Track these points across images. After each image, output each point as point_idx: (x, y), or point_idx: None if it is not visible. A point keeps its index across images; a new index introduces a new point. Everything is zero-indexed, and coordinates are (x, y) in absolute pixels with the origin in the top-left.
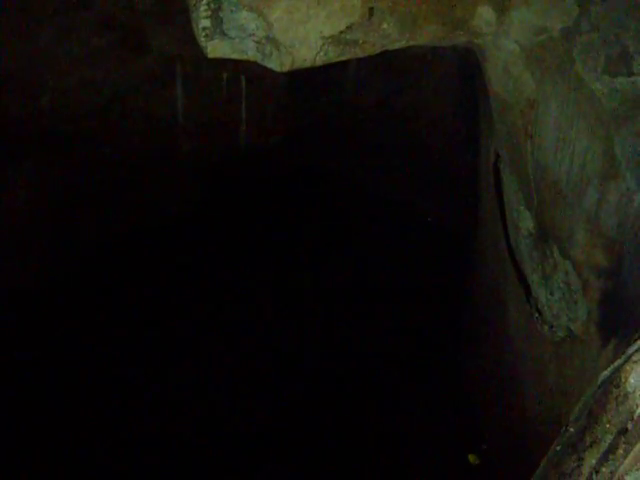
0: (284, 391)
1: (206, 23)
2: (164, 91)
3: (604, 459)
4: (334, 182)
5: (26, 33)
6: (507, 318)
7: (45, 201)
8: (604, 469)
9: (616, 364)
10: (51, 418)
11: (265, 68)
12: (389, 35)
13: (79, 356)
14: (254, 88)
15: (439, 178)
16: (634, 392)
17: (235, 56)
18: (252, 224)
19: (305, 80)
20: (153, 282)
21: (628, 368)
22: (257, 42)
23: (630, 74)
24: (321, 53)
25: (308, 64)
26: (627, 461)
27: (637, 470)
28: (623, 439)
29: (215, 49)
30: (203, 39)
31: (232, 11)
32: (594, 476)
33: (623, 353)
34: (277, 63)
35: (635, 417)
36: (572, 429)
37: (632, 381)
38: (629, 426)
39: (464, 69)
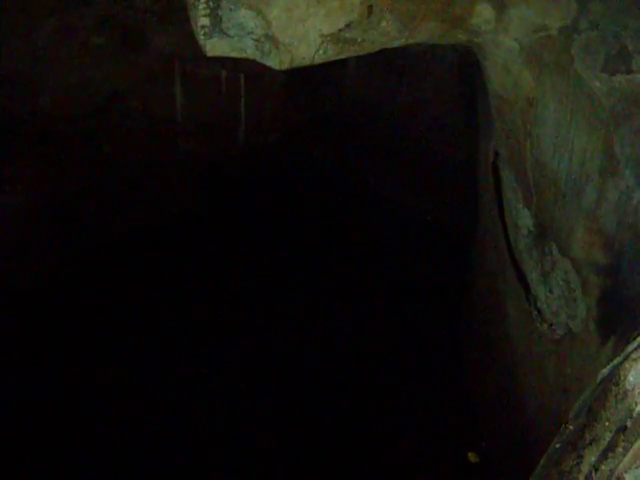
0: (284, 391)
1: (205, 21)
2: (163, 90)
3: (603, 457)
4: (333, 180)
5: (25, 32)
6: (506, 316)
7: (45, 201)
8: (603, 467)
9: (615, 362)
10: (51, 418)
11: (264, 66)
12: (388, 33)
13: (79, 356)
14: (253, 86)
15: (438, 176)
16: (633, 390)
17: (234, 54)
18: (251, 223)
19: (304, 78)
20: (153, 281)
21: (627, 366)
22: (256, 40)
23: (629, 72)
24: (320, 51)
25: (307, 62)
26: (626, 459)
27: (636, 468)
28: (622, 437)
29: (214, 47)
30: (202, 37)
31: (231, 9)
32: (593, 474)
33: (622, 351)
34: (276, 61)
35: (634, 415)
36: (571, 427)
37: (631, 379)
38: (628, 424)
39: (463, 67)
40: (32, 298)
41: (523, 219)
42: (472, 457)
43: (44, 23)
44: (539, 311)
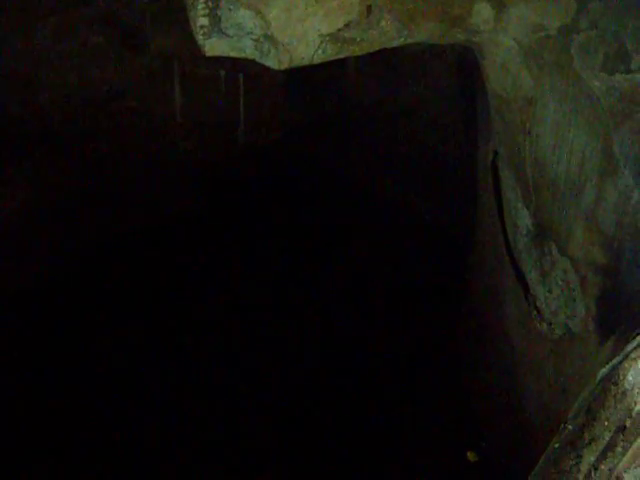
0: (283, 391)
1: (204, 21)
2: (162, 89)
3: (603, 456)
4: (332, 180)
5: (25, 31)
6: (506, 316)
7: (45, 201)
8: (603, 466)
9: (614, 361)
10: (51, 418)
11: (263, 66)
12: (387, 33)
13: (79, 356)
14: (252, 86)
15: (437, 176)
16: (632, 389)
17: (233, 54)
18: (251, 222)
19: (303, 78)
20: (152, 281)
21: (626, 365)
22: (255, 40)
23: (628, 71)
24: (319, 51)
25: (306, 62)
26: (625, 458)
27: (636, 467)
28: (621, 436)
29: (213, 47)
30: (201, 37)
31: (230, 9)
32: (593, 473)
33: (621, 350)
34: (275, 61)
35: (633, 414)
36: (571, 426)
37: (630, 378)
38: (627, 423)
39: (462, 67)
40: (32, 298)
41: (522, 218)
42: (471, 456)
43: (44, 23)
44: (538, 311)
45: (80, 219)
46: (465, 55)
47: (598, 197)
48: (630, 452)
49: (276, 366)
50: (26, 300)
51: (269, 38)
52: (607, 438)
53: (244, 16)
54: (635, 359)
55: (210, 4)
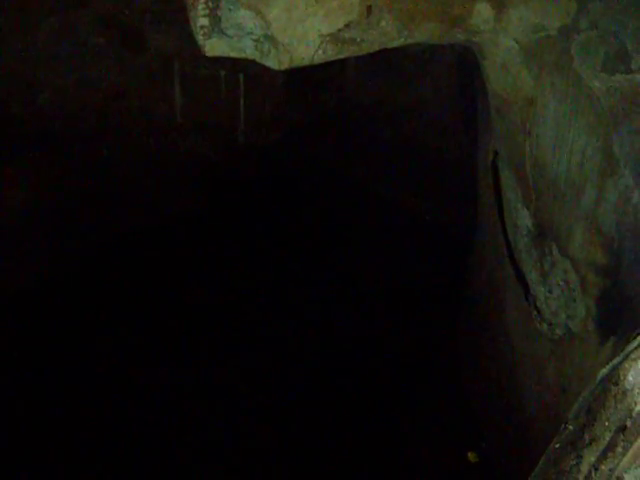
0: (283, 391)
1: (204, 22)
2: (162, 90)
3: (603, 457)
4: (332, 180)
5: (24, 32)
6: (506, 316)
7: (45, 201)
8: (603, 467)
9: (615, 362)
10: (51, 418)
11: (263, 66)
12: (387, 33)
13: (79, 356)
14: (252, 86)
15: (437, 176)
16: (632, 389)
17: (233, 54)
18: (251, 223)
19: (304, 78)
20: (152, 281)
21: (627, 366)
22: (255, 40)
23: (628, 72)
24: (319, 51)
25: (306, 62)
26: (626, 458)
27: (636, 467)
28: (622, 436)
29: (213, 48)
30: (201, 37)
31: (230, 10)
32: (593, 474)
33: (622, 350)
34: (275, 61)
35: (634, 414)
36: (571, 427)
37: (631, 379)
38: (628, 423)
39: (462, 67)
40: (32, 298)
41: (522, 219)
42: (472, 457)
43: (44, 23)
44: (538, 311)
45: (80, 219)
46: (465, 55)
47: (598, 197)
48: (631, 452)
49: (276, 366)
50: (26, 300)
51: (269, 38)
52: (607, 438)
53: (244, 16)
54: (635, 359)
55: (210, 4)
